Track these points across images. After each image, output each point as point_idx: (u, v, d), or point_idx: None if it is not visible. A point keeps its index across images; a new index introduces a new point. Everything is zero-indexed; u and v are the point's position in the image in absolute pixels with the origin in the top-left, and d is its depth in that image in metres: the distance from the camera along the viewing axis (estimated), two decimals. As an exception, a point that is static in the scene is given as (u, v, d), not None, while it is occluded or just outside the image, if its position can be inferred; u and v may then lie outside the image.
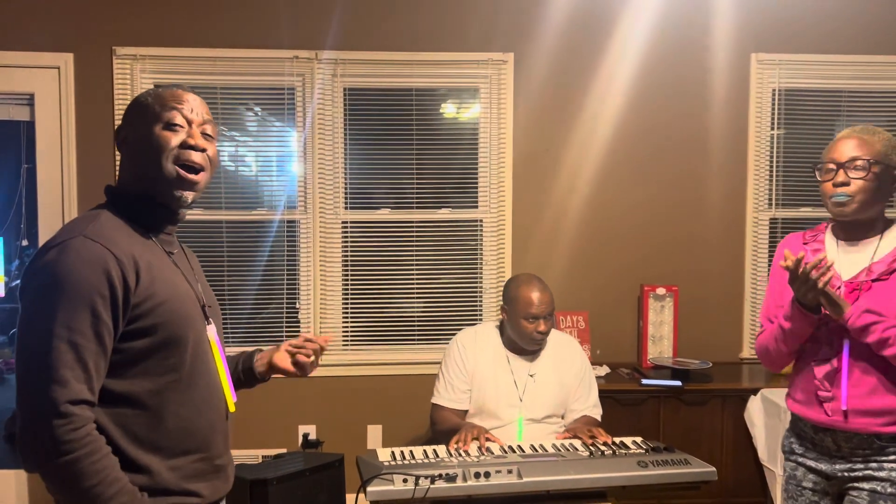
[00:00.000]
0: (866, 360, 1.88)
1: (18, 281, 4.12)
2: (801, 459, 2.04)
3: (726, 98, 3.79)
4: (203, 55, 3.60)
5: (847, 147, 1.94)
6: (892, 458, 1.84)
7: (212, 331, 1.60)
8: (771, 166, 3.84)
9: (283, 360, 1.79)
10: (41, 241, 3.61)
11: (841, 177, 1.93)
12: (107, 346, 1.38)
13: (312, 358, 1.79)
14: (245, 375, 1.80)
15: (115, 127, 3.58)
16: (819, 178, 1.98)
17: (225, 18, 3.61)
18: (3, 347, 4.55)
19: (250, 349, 1.84)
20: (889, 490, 1.83)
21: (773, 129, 3.83)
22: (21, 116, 3.62)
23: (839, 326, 1.91)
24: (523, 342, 2.79)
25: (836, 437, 1.93)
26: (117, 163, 3.61)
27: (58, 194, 3.58)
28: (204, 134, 1.56)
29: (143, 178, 1.53)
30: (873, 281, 1.90)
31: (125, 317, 1.40)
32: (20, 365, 1.36)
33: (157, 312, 1.44)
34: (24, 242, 3.81)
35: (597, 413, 2.86)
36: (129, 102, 1.60)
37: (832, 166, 1.95)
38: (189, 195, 1.54)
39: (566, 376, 2.84)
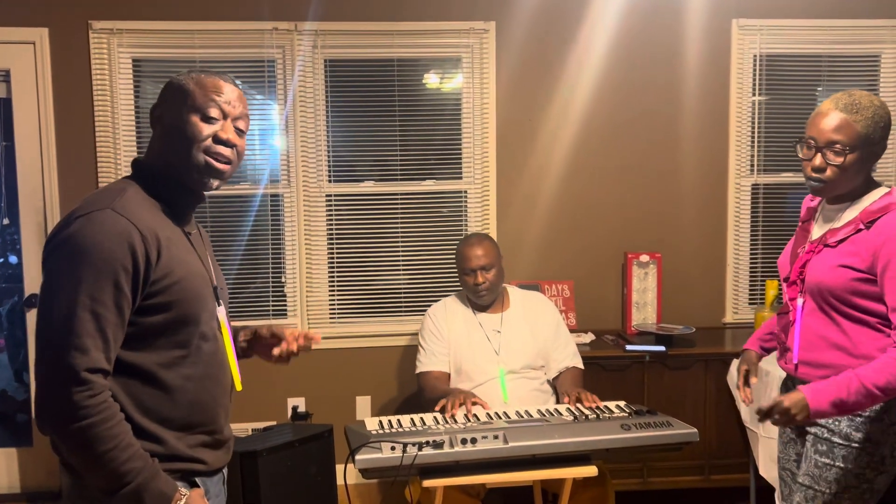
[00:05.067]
0: (814, 317, 1.98)
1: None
2: None
3: (708, 64, 3.79)
4: (181, 28, 3.55)
5: (827, 125, 1.88)
6: None
7: (221, 312, 1.67)
8: (752, 132, 3.85)
9: (264, 349, 1.89)
10: (22, 220, 3.57)
11: (818, 160, 1.91)
12: (125, 318, 1.43)
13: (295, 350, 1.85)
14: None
15: (93, 101, 3.56)
16: (799, 155, 1.96)
17: (202, -10, 3.56)
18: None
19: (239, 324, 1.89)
20: (825, 435, 1.97)
21: (754, 95, 3.83)
22: (-3, 94, 3.58)
23: (794, 284, 2.02)
24: (471, 295, 3.00)
25: (795, 383, 2.05)
26: (97, 139, 3.60)
27: (38, 172, 3.54)
28: (237, 129, 1.60)
29: (171, 161, 1.57)
30: (825, 245, 1.95)
31: (144, 291, 1.45)
32: (42, 331, 1.41)
33: (172, 290, 1.48)
34: (6, 221, 3.77)
35: (578, 362, 3.00)
36: (168, 82, 1.60)
37: (812, 143, 1.92)
38: (215, 182, 1.60)
39: (538, 327, 2.98)
